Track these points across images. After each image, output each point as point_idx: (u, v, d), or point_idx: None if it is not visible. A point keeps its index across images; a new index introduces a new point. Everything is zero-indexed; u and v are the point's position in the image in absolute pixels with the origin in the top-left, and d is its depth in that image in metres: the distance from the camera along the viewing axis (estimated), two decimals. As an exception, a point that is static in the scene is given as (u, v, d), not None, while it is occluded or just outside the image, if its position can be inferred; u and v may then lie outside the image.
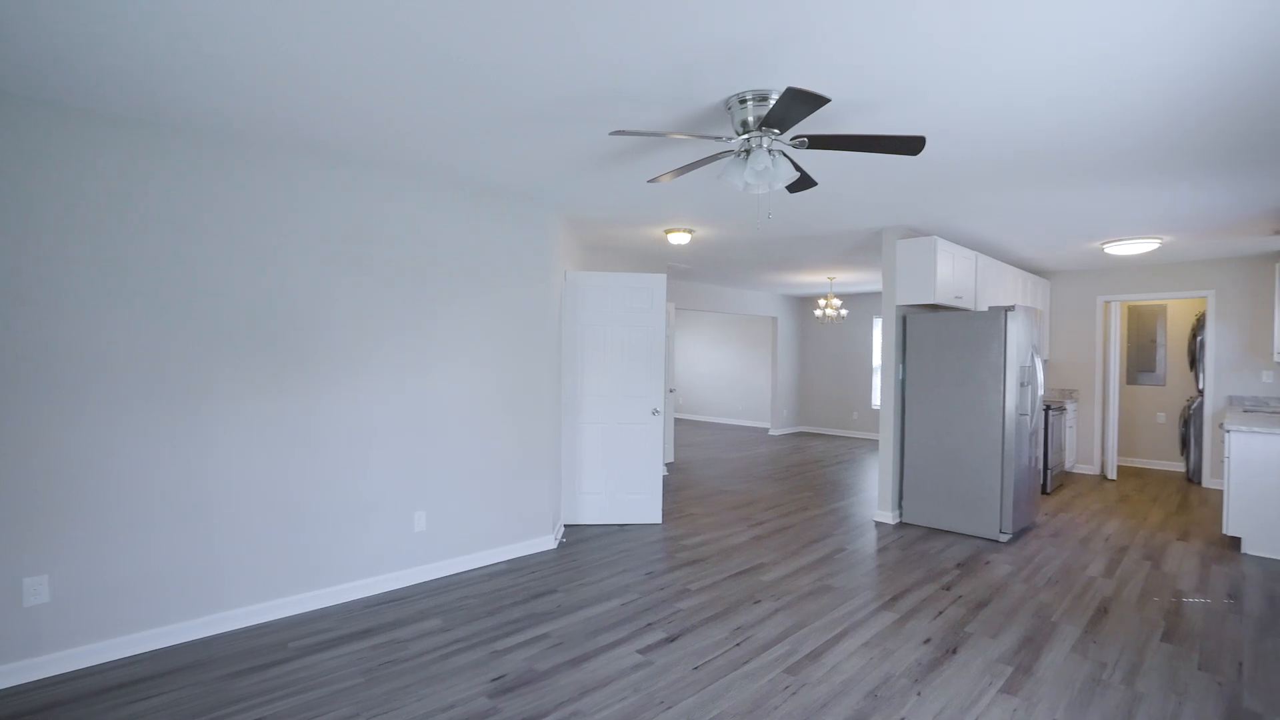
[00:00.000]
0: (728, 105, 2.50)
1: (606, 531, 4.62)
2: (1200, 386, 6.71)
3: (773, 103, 2.28)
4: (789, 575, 3.76)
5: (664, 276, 4.80)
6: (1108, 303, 7.07)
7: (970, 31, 1.99)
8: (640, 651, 2.78)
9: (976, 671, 2.63)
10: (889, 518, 4.96)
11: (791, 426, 10.74)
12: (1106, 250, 5.53)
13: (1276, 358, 5.06)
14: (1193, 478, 6.65)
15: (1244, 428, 4.31)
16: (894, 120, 2.70)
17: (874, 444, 9.37)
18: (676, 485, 6.32)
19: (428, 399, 3.65)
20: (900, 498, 5.04)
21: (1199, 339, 6.89)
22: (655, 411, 4.80)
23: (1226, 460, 4.37)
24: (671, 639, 2.90)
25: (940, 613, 3.23)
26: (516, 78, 2.31)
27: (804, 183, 2.94)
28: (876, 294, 9.77)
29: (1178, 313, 7.42)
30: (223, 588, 2.97)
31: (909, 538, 4.57)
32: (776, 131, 2.37)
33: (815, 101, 2.00)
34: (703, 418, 12.22)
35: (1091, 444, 7.11)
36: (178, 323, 2.83)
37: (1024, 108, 2.58)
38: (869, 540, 4.49)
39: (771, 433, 10.31)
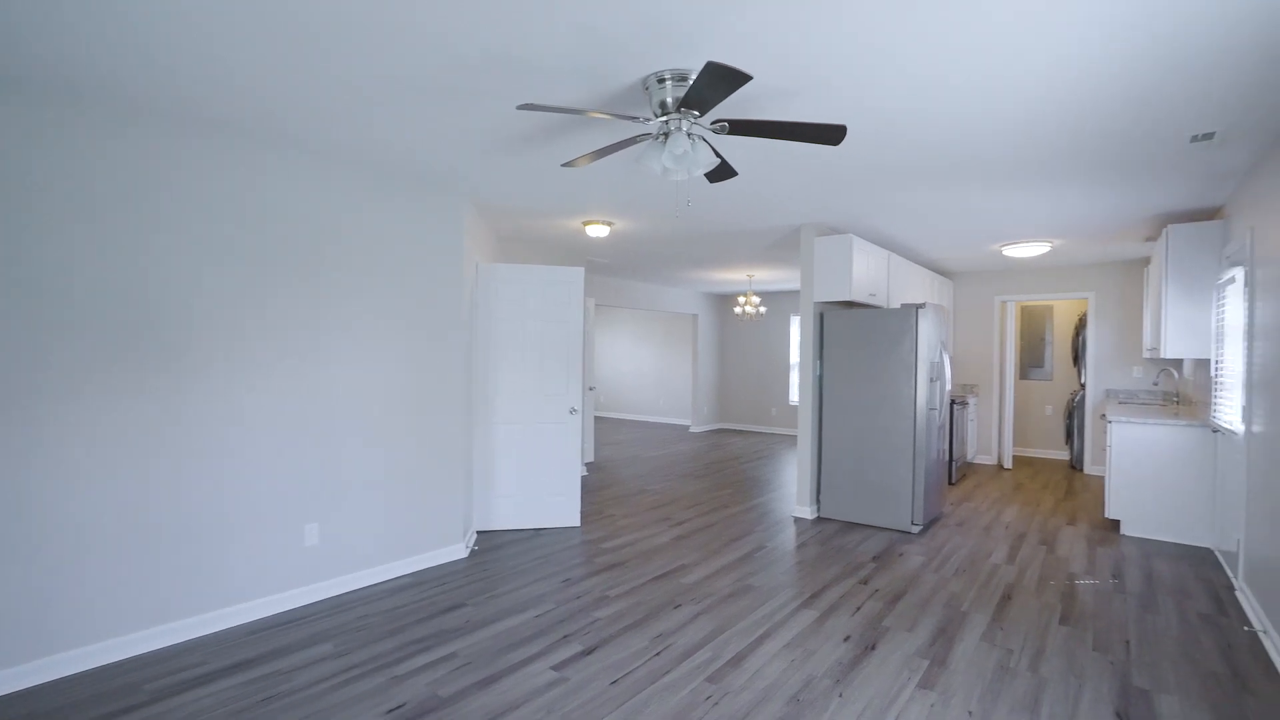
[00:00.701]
0: (646, 85, 2.36)
1: (522, 537, 4.39)
2: (1082, 381, 7.26)
3: (692, 82, 2.16)
4: (710, 576, 3.68)
5: (582, 270, 4.62)
6: (1004, 302, 7.51)
7: (886, 29, 1.96)
8: (555, 667, 2.60)
9: (895, 667, 2.63)
10: (807, 513, 5.00)
11: (712, 423, 10.82)
12: (1004, 252, 5.84)
13: (1145, 354, 5.49)
14: (1076, 465, 7.17)
15: (1124, 418, 4.63)
16: (812, 111, 2.66)
17: (792, 439, 9.57)
18: (596, 485, 6.16)
19: (321, 400, 3.30)
20: (818, 492, 5.11)
21: (1081, 337, 7.45)
22: (573, 410, 4.62)
23: (1109, 449, 4.69)
24: (589, 651, 2.74)
25: (859, 608, 3.24)
26: (405, 37, 2.07)
27: (724, 172, 2.85)
28: (794, 292, 9.99)
29: (1063, 313, 8.00)
30: (65, 623, 2.53)
31: (827, 532, 4.62)
32: (696, 114, 2.25)
33: (736, 79, 1.89)
34: (624, 415, 12.11)
35: (990, 436, 7.53)
36: (4, 313, 2.39)
37: (934, 111, 2.61)
38: (788, 536, 4.50)
39: (692, 430, 10.34)
